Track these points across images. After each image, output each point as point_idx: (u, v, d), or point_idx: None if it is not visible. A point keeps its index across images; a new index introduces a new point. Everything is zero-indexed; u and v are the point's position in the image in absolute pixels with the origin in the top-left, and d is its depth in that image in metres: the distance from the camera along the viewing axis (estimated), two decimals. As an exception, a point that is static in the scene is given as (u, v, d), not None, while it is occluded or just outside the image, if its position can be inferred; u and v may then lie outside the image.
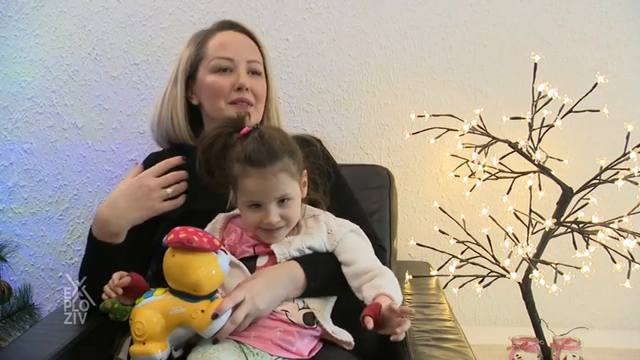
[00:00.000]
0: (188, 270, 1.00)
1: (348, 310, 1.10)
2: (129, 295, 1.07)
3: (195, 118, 1.42)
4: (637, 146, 1.52)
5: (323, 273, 1.12)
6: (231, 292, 1.04)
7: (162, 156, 1.37)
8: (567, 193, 1.60)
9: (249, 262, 1.12)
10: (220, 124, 1.12)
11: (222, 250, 1.04)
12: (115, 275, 1.08)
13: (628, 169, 1.54)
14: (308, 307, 1.11)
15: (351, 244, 1.14)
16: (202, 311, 1.00)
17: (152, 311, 1.03)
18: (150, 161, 1.41)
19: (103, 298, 1.08)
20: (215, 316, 0.99)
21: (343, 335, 1.12)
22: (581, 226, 1.57)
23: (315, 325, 1.11)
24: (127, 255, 1.26)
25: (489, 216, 1.66)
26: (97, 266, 1.20)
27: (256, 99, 1.37)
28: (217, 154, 1.10)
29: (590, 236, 1.56)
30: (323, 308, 1.13)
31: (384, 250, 1.31)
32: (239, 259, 1.12)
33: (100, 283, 1.11)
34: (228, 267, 1.05)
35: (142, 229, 1.28)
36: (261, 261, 1.12)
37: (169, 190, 1.26)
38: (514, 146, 1.61)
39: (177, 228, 1.02)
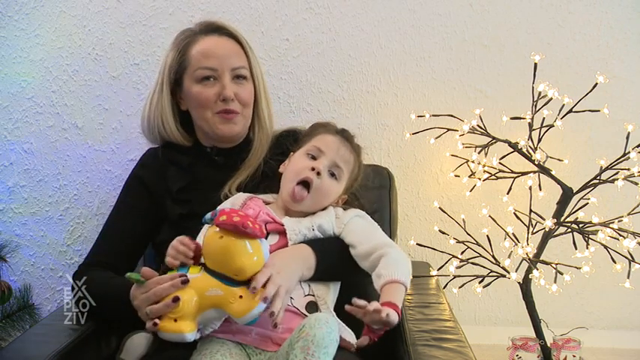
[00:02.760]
0: (235, 255, 0.99)
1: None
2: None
3: (185, 119, 1.42)
4: (637, 146, 1.52)
5: (331, 254, 1.17)
6: (265, 276, 1.02)
7: (160, 152, 1.41)
8: (567, 193, 1.60)
9: None
10: (323, 124, 1.34)
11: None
12: (185, 239, 1.07)
13: (628, 169, 1.54)
14: (312, 294, 1.14)
15: (356, 226, 1.21)
16: (240, 297, 0.99)
17: (188, 289, 1.01)
18: (149, 157, 1.44)
19: (167, 262, 1.07)
20: (265, 299, 0.99)
21: (345, 333, 1.12)
22: (581, 226, 1.57)
23: None
24: (128, 249, 1.33)
25: (489, 216, 1.66)
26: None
27: (243, 106, 1.35)
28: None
29: (590, 236, 1.55)
30: (326, 295, 1.16)
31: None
32: None
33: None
34: (268, 253, 1.05)
35: (145, 226, 1.33)
36: (272, 239, 1.16)
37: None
38: (514, 146, 1.61)
39: (227, 209, 1.02)
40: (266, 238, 1.12)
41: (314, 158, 1.23)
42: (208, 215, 1.03)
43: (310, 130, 1.34)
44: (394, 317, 1.00)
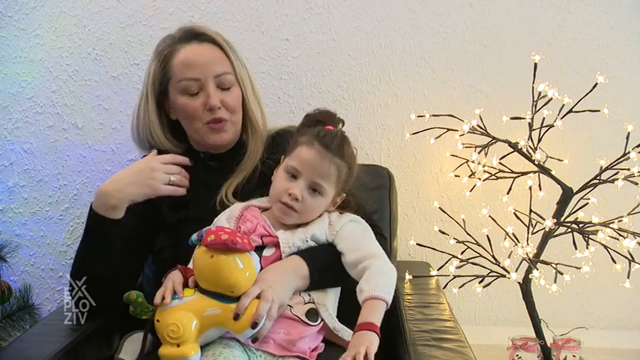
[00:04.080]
0: (227, 272, 1.00)
1: (351, 306, 1.11)
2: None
3: (176, 127, 1.39)
4: (637, 146, 1.52)
5: (323, 262, 1.16)
6: (255, 292, 1.04)
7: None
8: (567, 193, 1.60)
9: (257, 251, 1.14)
10: (315, 116, 1.27)
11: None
12: (177, 278, 1.07)
13: (628, 169, 1.54)
14: (312, 302, 1.14)
15: (348, 233, 1.19)
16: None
17: (187, 313, 1.01)
18: None
19: (156, 303, 1.05)
20: (255, 325, 1.00)
21: (345, 334, 1.13)
22: (581, 226, 1.57)
23: (317, 322, 1.11)
24: (126, 255, 1.28)
25: (489, 216, 1.66)
26: (92, 248, 1.23)
27: (231, 112, 1.33)
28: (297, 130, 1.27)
29: (590, 236, 1.56)
30: (327, 300, 1.16)
31: (384, 239, 1.32)
32: None
33: (92, 267, 1.19)
34: (259, 266, 1.07)
35: (142, 229, 1.30)
36: (268, 252, 1.16)
37: (172, 177, 1.29)
38: (514, 146, 1.61)
39: (213, 228, 1.03)
40: (262, 251, 1.14)
41: (294, 177, 1.18)
42: (194, 236, 1.04)
43: (294, 136, 1.26)
44: (374, 347, 1.00)
